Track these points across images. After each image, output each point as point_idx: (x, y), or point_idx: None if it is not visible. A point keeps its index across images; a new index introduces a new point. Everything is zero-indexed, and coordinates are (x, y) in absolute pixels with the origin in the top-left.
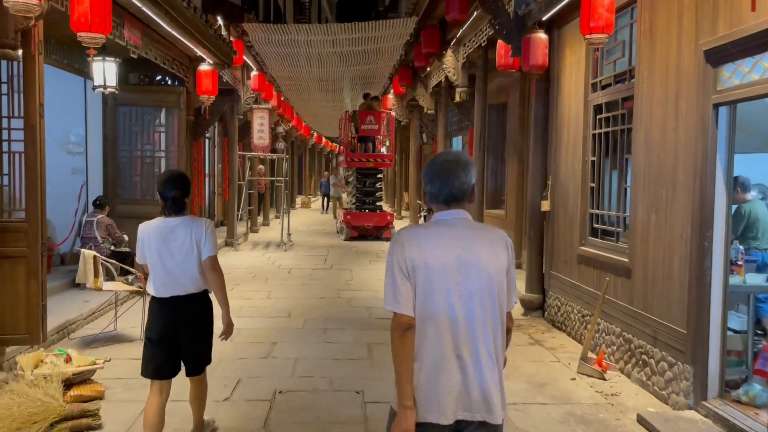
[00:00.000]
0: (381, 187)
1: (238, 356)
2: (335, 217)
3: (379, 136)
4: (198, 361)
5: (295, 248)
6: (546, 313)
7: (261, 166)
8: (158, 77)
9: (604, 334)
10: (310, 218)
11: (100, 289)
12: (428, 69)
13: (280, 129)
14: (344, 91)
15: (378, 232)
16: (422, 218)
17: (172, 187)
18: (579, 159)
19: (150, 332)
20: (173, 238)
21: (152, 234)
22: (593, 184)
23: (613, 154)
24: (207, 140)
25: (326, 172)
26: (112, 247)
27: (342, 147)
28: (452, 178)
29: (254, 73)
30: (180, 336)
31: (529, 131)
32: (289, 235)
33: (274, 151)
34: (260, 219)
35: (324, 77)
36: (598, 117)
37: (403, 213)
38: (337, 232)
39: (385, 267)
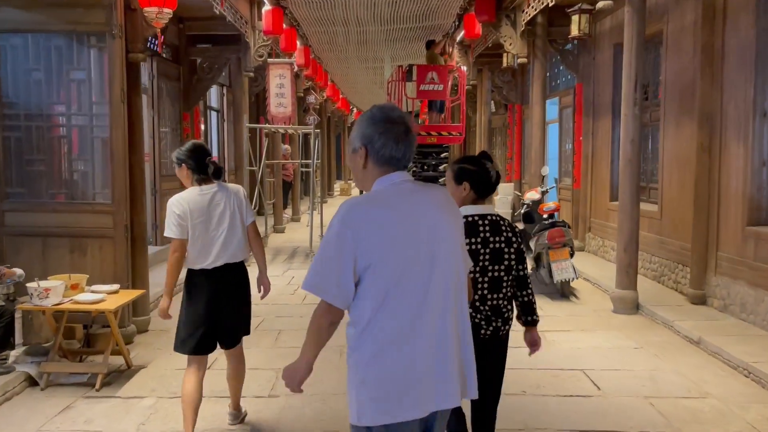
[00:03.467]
0: (444, 171)
1: None
2: None
3: (445, 100)
4: (239, 331)
5: None
6: None
7: (287, 146)
8: None
9: None
10: None
11: None
12: None
13: (312, 98)
14: (386, 49)
15: None
16: (520, 215)
17: (205, 153)
18: None
19: (192, 307)
20: (215, 206)
21: (193, 205)
22: None
23: None
24: (212, 112)
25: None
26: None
27: None
28: (412, 141)
29: (267, 7)
30: (221, 307)
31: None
32: (321, 237)
33: (301, 124)
34: (288, 214)
35: (363, 39)
36: None
37: None
38: None
39: None
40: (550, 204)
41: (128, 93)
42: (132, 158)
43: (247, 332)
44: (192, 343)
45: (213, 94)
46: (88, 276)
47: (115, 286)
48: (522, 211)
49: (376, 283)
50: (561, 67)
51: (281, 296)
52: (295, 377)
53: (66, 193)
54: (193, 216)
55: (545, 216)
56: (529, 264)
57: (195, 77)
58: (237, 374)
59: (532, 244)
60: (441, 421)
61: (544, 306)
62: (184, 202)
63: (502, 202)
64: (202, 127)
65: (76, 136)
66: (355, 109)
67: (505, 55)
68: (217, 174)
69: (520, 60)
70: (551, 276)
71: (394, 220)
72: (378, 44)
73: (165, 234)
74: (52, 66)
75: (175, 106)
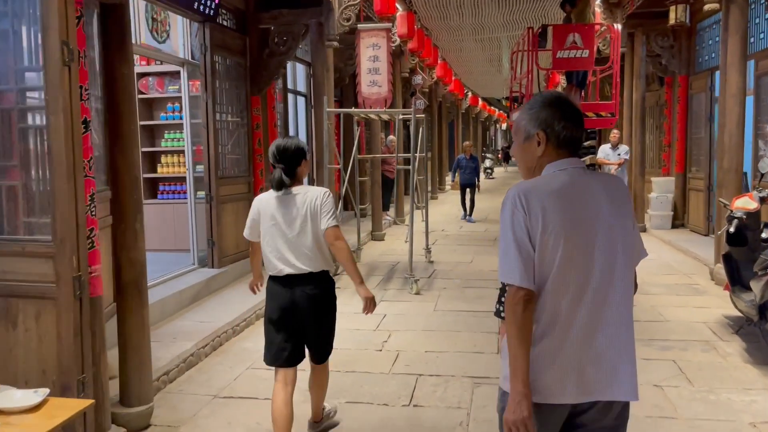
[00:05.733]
0: (593, 165)
1: None
2: None
3: (588, 71)
4: (320, 349)
5: (435, 284)
6: None
7: (392, 137)
8: None
9: None
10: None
11: None
12: None
13: (419, 79)
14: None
15: None
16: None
17: (276, 154)
18: None
19: (268, 313)
20: (286, 211)
21: (265, 206)
22: None
23: None
24: (299, 97)
25: (467, 143)
26: None
27: (515, 100)
28: (583, 124)
29: None
30: (301, 320)
31: None
32: (427, 251)
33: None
34: (389, 217)
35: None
36: None
37: None
38: None
39: None
40: None
41: (109, 55)
42: (119, 161)
43: (329, 351)
44: (269, 353)
45: (300, 75)
46: None
47: (40, 394)
48: (730, 229)
49: (539, 269)
50: (758, 20)
51: (362, 352)
52: (519, 414)
53: None
54: (264, 219)
55: None
56: (749, 309)
57: (266, 51)
58: (318, 384)
59: (754, 285)
60: (601, 414)
61: None
62: (258, 204)
63: (659, 201)
64: (278, 115)
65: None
66: (470, 94)
67: (672, 9)
68: (279, 185)
69: (709, 5)
70: None
71: (559, 206)
72: (497, 8)
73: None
74: None
75: (240, 88)
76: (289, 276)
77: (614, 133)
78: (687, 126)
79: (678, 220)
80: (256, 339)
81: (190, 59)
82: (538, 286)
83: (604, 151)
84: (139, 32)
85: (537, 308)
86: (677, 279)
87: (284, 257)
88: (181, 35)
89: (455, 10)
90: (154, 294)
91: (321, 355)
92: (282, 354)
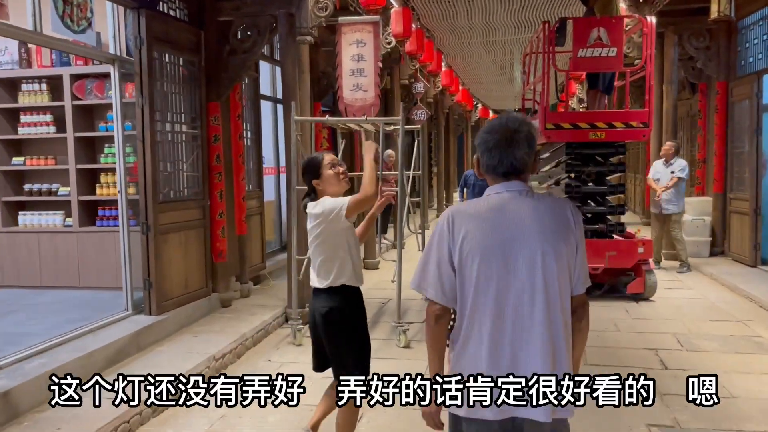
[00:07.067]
0: (621, 184)
1: None
2: None
3: (615, 72)
4: (335, 368)
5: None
6: None
7: (389, 151)
8: None
9: None
10: None
11: None
12: None
13: (420, 87)
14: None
15: (617, 282)
16: None
17: (304, 167)
18: None
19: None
20: (308, 223)
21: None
22: None
23: None
24: (276, 105)
25: (477, 155)
26: None
27: (527, 111)
28: (514, 148)
29: None
30: (317, 333)
31: None
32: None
33: (408, 122)
34: (387, 241)
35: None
36: None
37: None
38: None
39: None
40: None
41: None
42: None
43: (345, 373)
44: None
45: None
46: None
47: None
48: None
49: (461, 287)
50: None
51: None
52: (432, 417)
53: None
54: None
55: None
56: None
57: (226, 48)
58: (340, 423)
59: None
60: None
61: None
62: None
63: (695, 225)
64: (246, 126)
65: None
66: (479, 105)
67: (714, 0)
68: (303, 198)
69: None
70: None
71: (480, 227)
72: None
73: None
74: None
75: (193, 93)
76: (314, 288)
77: (667, 146)
78: (727, 139)
79: (716, 247)
80: (183, 424)
81: (124, 56)
82: (460, 303)
83: (656, 169)
84: (39, 17)
85: (459, 324)
86: (732, 329)
87: (311, 269)
88: (112, 25)
89: (458, 7)
90: (54, 357)
91: (335, 377)
92: (313, 361)
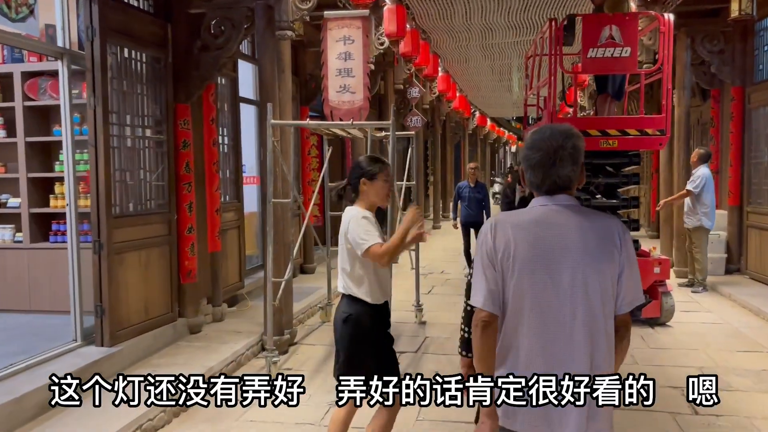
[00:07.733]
0: (635, 197)
1: None
2: None
3: (626, 75)
4: (335, 373)
5: (424, 365)
6: None
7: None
8: None
9: None
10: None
11: None
12: None
13: (415, 92)
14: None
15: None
16: None
17: (358, 165)
18: None
19: None
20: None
21: None
22: None
23: None
24: (258, 107)
25: (471, 165)
26: None
27: (529, 119)
28: (558, 167)
29: None
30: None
31: None
32: (417, 309)
33: (403, 128)
34: None
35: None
36: None
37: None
38: None
39: None
40: None
41: None
42: None
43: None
44: None
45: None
46: None
47: None
48: None
49: (505, 295)
50: None
51: None
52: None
53: None
54: None
55: None
56: None
57: (197, 44)
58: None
59: None
60: None
61: None
62: None
63: (710, 240)
64: (221, 131)
65: None
66: (477, 113)
67: (735, 0)
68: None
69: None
70: None
71: (522, 238)
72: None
73: None
74: None
75: (158, 93)
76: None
77: (697, 153)
78: (743, 148)
79: (732, 264)
80: None
81: (75, 50)
82: (504, 311)
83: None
84: None
85: (500, 333)
86: (764, 361)
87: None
88: (61, 15)
89: (456, 6)
90: None
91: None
92: (334, 366)
